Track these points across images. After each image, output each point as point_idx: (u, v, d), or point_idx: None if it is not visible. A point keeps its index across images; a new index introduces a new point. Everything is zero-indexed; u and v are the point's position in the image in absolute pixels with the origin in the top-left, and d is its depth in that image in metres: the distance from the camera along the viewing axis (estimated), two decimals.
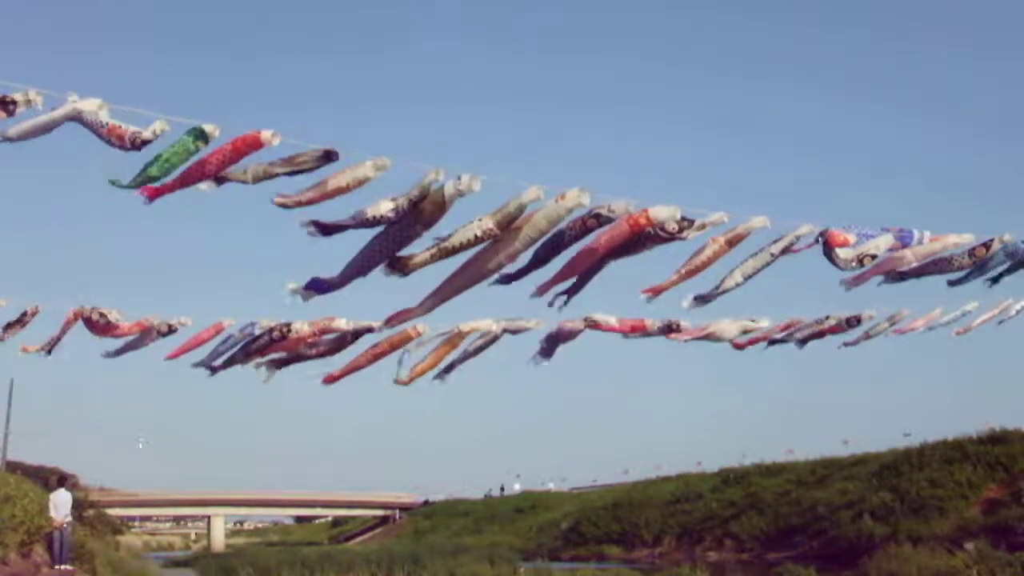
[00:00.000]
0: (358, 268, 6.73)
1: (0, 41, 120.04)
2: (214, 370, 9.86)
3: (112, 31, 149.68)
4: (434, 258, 6.61)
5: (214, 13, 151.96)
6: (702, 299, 7.84)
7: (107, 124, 6.12)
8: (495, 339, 9.58)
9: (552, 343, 9.79)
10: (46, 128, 6.11)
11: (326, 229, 6.50)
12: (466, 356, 9.73)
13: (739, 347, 10.04)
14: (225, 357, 9.70)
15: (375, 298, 7.86)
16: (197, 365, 10.00)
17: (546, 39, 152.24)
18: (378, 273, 6.85)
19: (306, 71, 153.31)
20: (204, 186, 6.52)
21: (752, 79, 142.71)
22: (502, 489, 74.95)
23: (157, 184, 6.47)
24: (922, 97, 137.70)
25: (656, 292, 7.73)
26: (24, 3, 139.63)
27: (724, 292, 7.67)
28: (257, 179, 6.47)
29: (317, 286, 6.96)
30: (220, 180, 6.58)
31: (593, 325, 9.49)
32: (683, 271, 7.52)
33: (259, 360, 9.50)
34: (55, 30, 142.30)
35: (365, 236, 6.58)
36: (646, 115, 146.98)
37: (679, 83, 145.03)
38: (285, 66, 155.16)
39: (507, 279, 7.12)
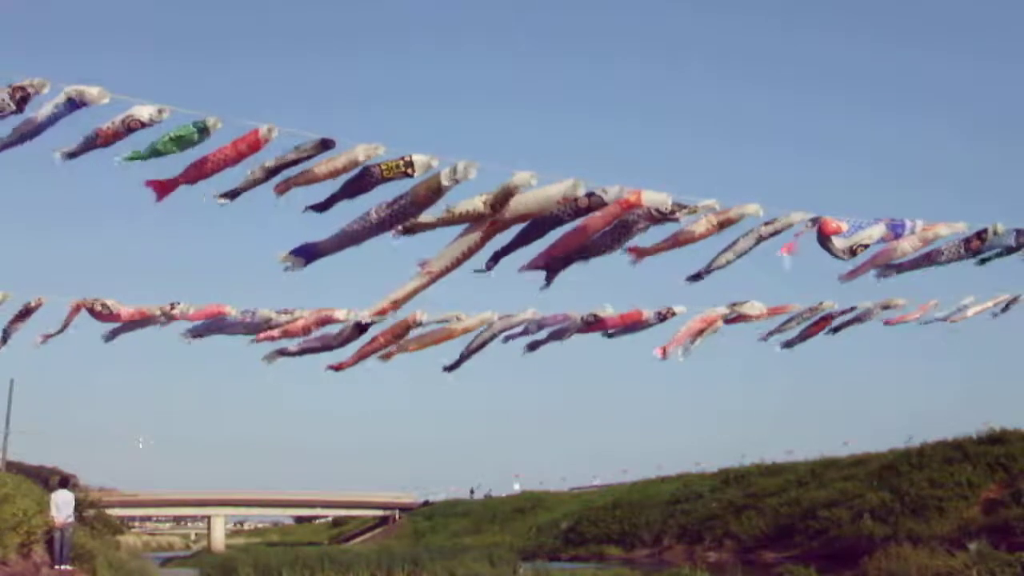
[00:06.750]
0: (351, 236, 6.78)
1: (2, 41, 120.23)
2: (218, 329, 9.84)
3: (112, 31, 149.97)
4: (441, 223, 6.69)
5: (213, 13, 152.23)
6: (695, 277, 7.98)
7: (98, 132, 6.14)
8: (494, 336, 9.56)
9: (551, 338, 9.78)
10: (51, 120, 6.12)
11: (323, 206, 6.62)
12: (470, 351, 9.69)
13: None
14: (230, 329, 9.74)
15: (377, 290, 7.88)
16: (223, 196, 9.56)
17: (545, 39, 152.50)
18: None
19: (304, 71, 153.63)
20: (220, 200, 6.73)
21: (751, 79, 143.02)
22: (472, 492, 75.26)
23: (160, 178, 6.58)
24: (920, 95, 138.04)
25: (641, 254, 7.73)
26: (24, 3, 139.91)
27: (716, 269, 7.79)
28: (265, 177, 6.58)
29: (307, 252, 6.99)
30: (233, 195, 6.76)
31: (594, 319, 9.48)
32: (672, 240, 7.58)
33: (266, 347, 9.58)
34: (53, 30, 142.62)
35: (359, 208, 6.70)
36: (645, 115, 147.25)
37: (677, 83, 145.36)
38: (283, 66, 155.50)
39: (491, 262, 7.13)
